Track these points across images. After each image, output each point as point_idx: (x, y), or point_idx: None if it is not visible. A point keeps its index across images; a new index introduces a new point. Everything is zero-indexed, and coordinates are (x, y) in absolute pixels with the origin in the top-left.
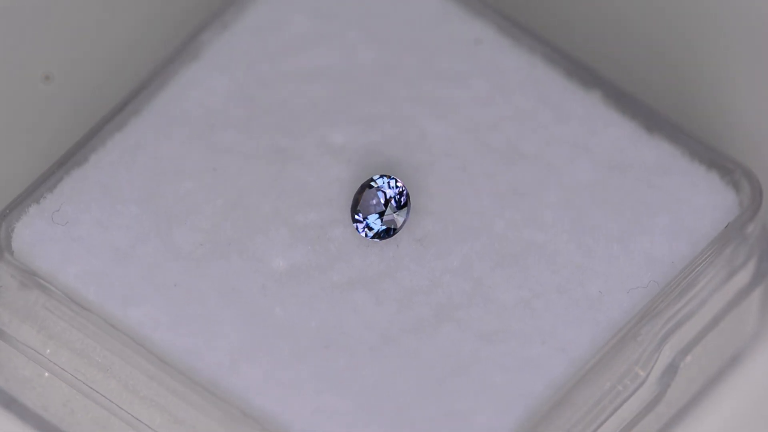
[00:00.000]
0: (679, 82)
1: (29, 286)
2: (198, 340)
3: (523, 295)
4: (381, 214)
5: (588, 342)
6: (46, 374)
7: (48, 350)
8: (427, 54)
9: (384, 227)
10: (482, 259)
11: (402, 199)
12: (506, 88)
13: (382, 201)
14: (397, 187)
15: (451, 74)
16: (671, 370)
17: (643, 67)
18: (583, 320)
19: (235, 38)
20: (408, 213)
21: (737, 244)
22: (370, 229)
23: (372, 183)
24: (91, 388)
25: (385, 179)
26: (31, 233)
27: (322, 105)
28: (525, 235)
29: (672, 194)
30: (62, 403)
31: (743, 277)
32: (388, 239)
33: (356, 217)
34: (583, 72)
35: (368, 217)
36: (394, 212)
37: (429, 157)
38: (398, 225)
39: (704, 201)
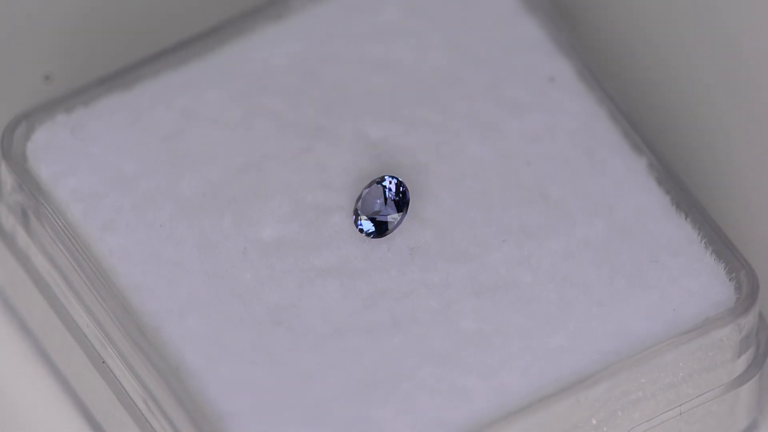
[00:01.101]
0: (720, 167)
1: (25, 189)
2: (160, 283)
3: (484, 328)
4: (376, 213)
5: (528, 389)
6: (26, 276)
7: (31, 254)
8: (498, 76)
9: (374, 230)
10: (462, 284)
11: (401, 202)
12: (559, 129)
13: (382, 200)
14: (400, 189)
15: (513, 102)
16: None
17: (694, 146)
18: (532, 368)
19: (323, 10)
20: (403, 217)
21: (721, 340)
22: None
23: (382, 181)
24: (60, 300)
25: (394, 180)
26: (49, 139)
27: (376, 96)
28: (513, 273)
29: (672, 275)
30: (39, 309)
31: (725, 372)
32: (381, 238)
33: (357, 210)
34: (639, 137)
35: (366, 213)
36: (388, 213)
37: (454, 173)
38: (390, 227)
39: (699, 290)
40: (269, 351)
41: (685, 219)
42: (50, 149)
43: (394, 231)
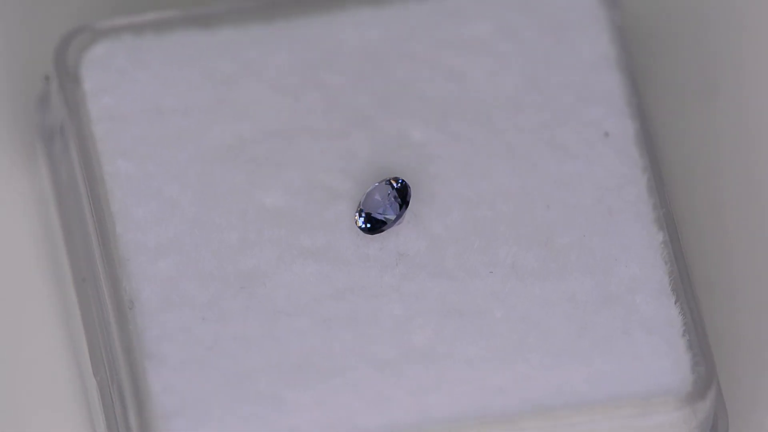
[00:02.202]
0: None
1: (64, 97)
2: (149, 218)
3: (435, 349)
4: (376, 210)
5: (450, 417)
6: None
7: (55, 163)
8: (557, 117)
9: (368, 225)
10: (433, 301)
11: (398, 204)
12: (591, 183)
13: (384, 199)
14: (402, 192)
15: (559, 145)
16: None
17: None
18: (462, 399)
19: (417, 7)
20: (398, 220)
21: (665, 427)
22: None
23: (392, 182)
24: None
25: (401, 182)
26: (105, 54)
27: (433, 102)
28: (486, 304)
29: (637, 351)
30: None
31: None
32: (376, 236)
33: (360, 204)
34: (666, 212)
35: (368, 209)
36: (386, 213)
37: (473, 195)
38: (382, 226)
39: (657, 371)
40: (223, 312)
41: (674, 303)
42: (102, 65)
43: (393, 233)
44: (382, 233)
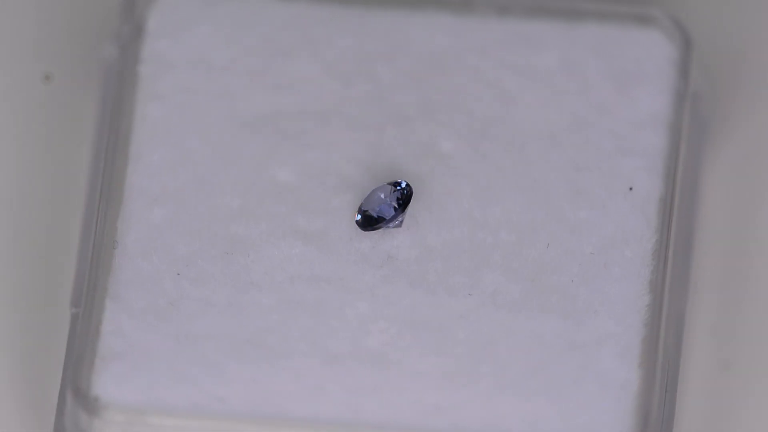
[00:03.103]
0: None
1: (126, 39)
2: (162, 165)
3: (386, 355)
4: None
5: (375, 424)
6: None
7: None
8: (588, 158)
9: (363, 221)
10: (402, 311)
11: (397, 206)
12: (598, 233)
13: (384, 199)
14: (404, 197)
15: (580, 190)
16: None
17: None
18: (393, 410)
19: (497, 27)
20: (391, 223)
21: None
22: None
23: (399, 184)
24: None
25: (406, 187)
26: (175, 3)
27: (478, 118)
28: (452, 324)
29: (580, 400)
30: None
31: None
32: (371, 233)
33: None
34: (664, 284)
35: (368, 206)
36: (383, 212)
37: (481, 218)
38: (375, 224)
39: (596, 427)
40: (199, 272)
41: (638, 365)
42: (169, 11)
43: (389, 235)
44: (379, 233)
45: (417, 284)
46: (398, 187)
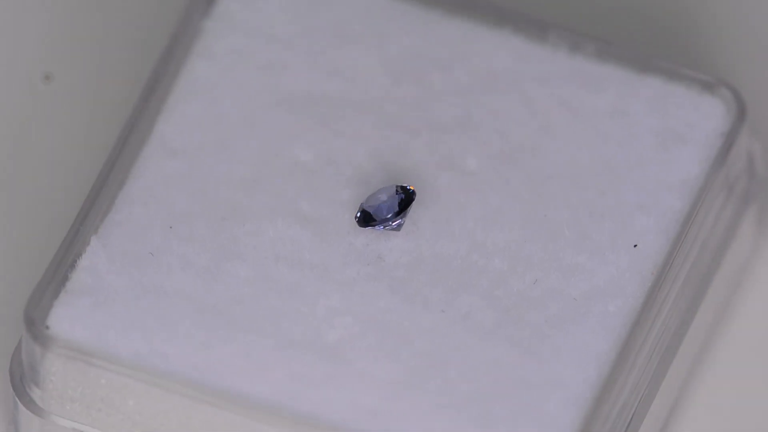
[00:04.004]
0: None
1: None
2: (184, 132)
3: (342, 354)
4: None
5: (326, 417)
6: None
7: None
8: (605, 206)
9: (361, 216)
10: (370, 312)
11: (396, 209)
12: (589, 283)
13: (385, 200)
14: (405, 201)
15: (589, 234)
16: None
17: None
18: (336, 401)
19: (564, 56)
20: (389, 224)
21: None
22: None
23: (403, 187)
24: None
25: (410, 192)
26: None
27: (508, 139)
28: (414, 336)
29: (540, 413)
30: None
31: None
32: (369, 229)
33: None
34: (637, 343)
35: (365, 204)
36: (382, 212)
37: (483, 240)
38: (370, 222)
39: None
40: (190, 230)
41: (583, 417)
42: None
43: (386, 236)
44: (377, 233)
45: (396, 290)
46: (402, 191)
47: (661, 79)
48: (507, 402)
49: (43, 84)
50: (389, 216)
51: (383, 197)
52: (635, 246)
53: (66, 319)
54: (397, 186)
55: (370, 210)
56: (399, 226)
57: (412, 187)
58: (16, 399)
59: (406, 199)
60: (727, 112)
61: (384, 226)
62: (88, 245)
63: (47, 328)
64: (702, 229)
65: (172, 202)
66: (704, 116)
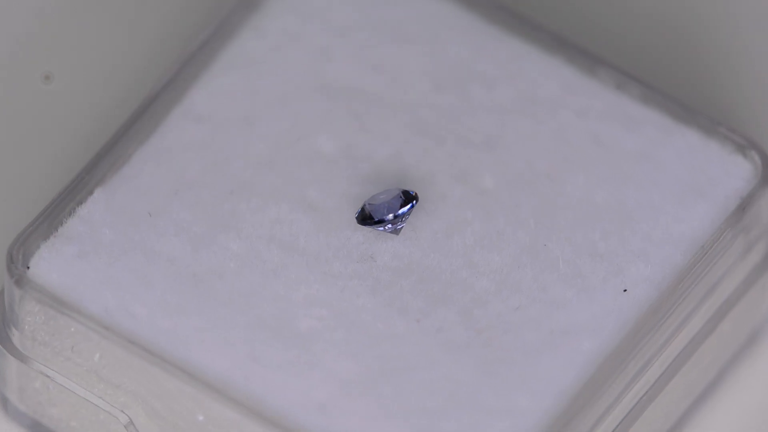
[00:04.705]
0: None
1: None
2: (229, 87)
3: (309, 344)
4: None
5: (279, 406)
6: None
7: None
8: (608, 249)
9: (359, 213)
10: (345, 309)
11: (398, 216)
12: (570, 321)
13: (389, 202)
14: (402, 205)
15: (583, 273)
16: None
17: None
18: (287, 389)
19: (607, 91)
20: (384, 227)
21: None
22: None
23: (407, 193)
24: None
25: (414, 199)
26: None
27: (528, 164)
28: (379, 340)
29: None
30: None
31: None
32: (367, 227)
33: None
34: (606, 379)
35: (367, 201)
36: (381, 212)
37: (475, 259)
38: (367, 220)
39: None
40: (196, 196)
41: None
42: None
43: (383, 237)
44: (375, 233)
45: (378, 292)
46: (405, 195)
47: (697, 131)
48: (456, 421)
49: (43, 84)
50: (388, 217)
51: (385, 198)
52: (624, 291)
53: (47, 262)
54: (401, 190)
55: (370, 209)
56: (398, 229)
57: (415, 193)
58: None
59: (407, 203)
60: (753, 176)
61: (383, 227)
62: (91, 195)
63: (27, 268)
64: (701, 287)
65: (184, 168)
66: (729, 175)
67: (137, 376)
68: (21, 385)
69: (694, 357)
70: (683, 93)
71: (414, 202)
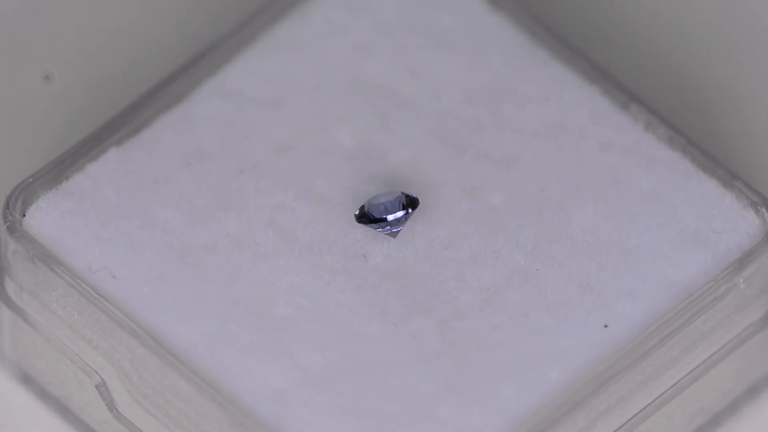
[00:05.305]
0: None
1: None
2: (262, 73)
3: (279, 330)
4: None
5: (233, 391)
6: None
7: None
8: (600, 285)
9: (359, 211)
10: (323, 301)
11: (396, 219)
12: (547, 351)
13: (389, 204)
14: (399, 208)
15: (568, 302)
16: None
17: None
18: (249, 372)
19: (631, 123)
20: (381, 228)
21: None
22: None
23: (410, 196)
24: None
25: (416, 205)
26: None
27: (543, 188)
28: (352, 338)
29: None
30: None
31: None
32: (364, 225)
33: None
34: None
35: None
36: (381, 213)
37: (466, 272)
38: (365, 219)
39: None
40: (205, 170)
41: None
42: None
43: (381, 238)
44: (374, 232)
45: (362, 290)
46: (406, 199)
47: (715, 181)
48: (408, 429)
49: (43, 84)
50: (385, 218)
51: (386, 199)
52: (605, 326)
53: (44, 214)
54: (403, 193)
55: (369, 208)
56: (394, 232)
57: (417, 198)
58: None
59: (407, 207)
60: (759, 232)
61: (380, 228)
62: (105, 154)
63: (23, 216)
64: (687, 335)
65: (201, 141)
66: (735, 229)
67: (111, 339)
68: (13, 335)
69: (676, 404)
70: (707, 141)
71: (413, 207)
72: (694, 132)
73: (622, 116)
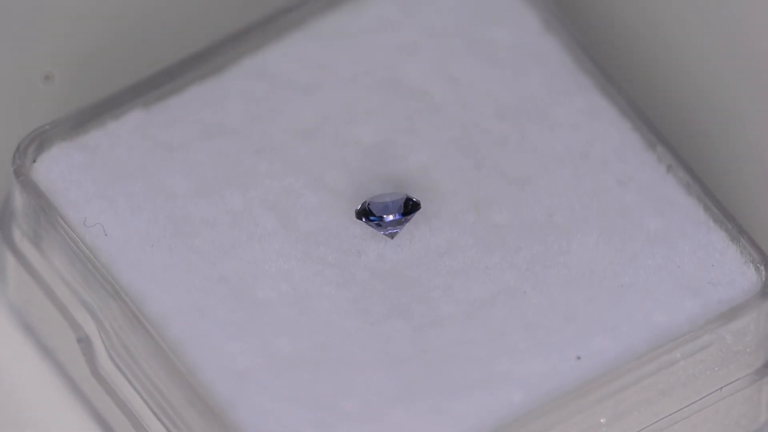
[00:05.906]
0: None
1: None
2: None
3: (260, 313)
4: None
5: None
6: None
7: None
8: (592, 310)
9: (359, 208)
10: (310, 290)
11: (397, 220)
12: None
13: (391, 205)
14: (406, 211)
15: (550, 328)
16: None
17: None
18: (229, 354)
19: (650, 155)
20: (379, 228)
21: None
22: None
23: (412, 199)
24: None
25: (418, 208)
26: None
27: (553, 210)
28: (332, 336)
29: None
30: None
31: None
32: (362, 222)
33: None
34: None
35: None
36: (381, 212)
37: (459, 281)
38: (364, 217)
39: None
40: (223, 148)
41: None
42: None
43: (381, 238)
44: (373, 230)
45: (347, 286)
46: (407, 203)
47: (722, 233)
48: (358, 428)
49: (43, 84)
50: (383, 218)
51: (388, 199)
52: (578, 358)
53: (55, 162)
54: (407, 196)
55: (370, 206)
56: (392, 233)
57: (419, 202)
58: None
59: (408, 210)
60: (754, 289)
61: (379, 227)
62: (128, 113)
63: (34, 161)
64: (659, 381)
65: (226, 115)
66: (731, 284)
67: (96, 296)
68: (17, 281)
69: None
70: (721, 192)
71: (414, 211)
72: (710, 178)
73: (646, 155)
